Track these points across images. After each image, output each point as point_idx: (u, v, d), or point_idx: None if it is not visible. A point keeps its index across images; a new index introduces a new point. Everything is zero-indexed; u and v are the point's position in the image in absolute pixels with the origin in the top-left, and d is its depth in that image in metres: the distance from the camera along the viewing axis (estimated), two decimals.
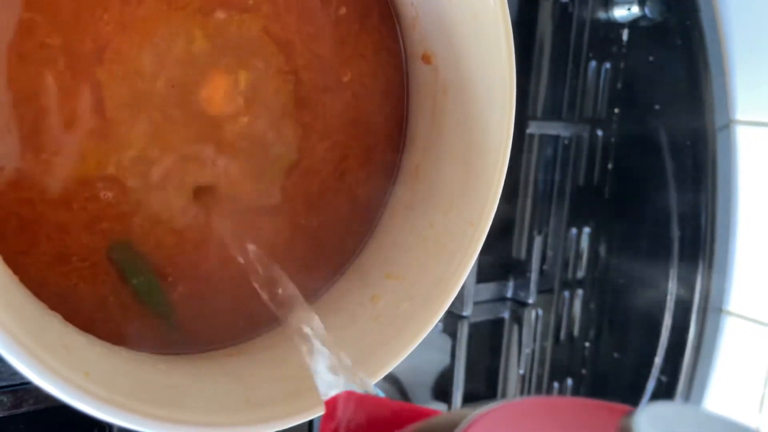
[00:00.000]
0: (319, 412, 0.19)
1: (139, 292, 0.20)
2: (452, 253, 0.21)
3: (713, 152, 0.44)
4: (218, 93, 0.20)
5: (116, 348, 0.19)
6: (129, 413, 0.15)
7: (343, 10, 0.21)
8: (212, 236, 0.21)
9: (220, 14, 0.19)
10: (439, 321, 0.43)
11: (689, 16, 0.43)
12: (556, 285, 0.49)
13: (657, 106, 0.46)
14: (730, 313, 0.45)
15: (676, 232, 0.47)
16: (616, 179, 0.50)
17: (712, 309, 0.46)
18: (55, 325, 0.16)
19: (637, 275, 0.50)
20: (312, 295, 0.24)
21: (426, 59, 0.23)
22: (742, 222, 0.44)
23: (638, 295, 0.49)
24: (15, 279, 0.16)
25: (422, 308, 0.21)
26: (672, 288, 0.47)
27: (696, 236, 0.45)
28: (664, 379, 0.47)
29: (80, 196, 0.19)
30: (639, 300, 0.49)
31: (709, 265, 0.45)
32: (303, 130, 0.22)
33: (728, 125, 0.44)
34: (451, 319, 0.43)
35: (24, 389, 0.29)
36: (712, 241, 0.45)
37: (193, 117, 0.21)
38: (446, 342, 0.46)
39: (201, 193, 0.21)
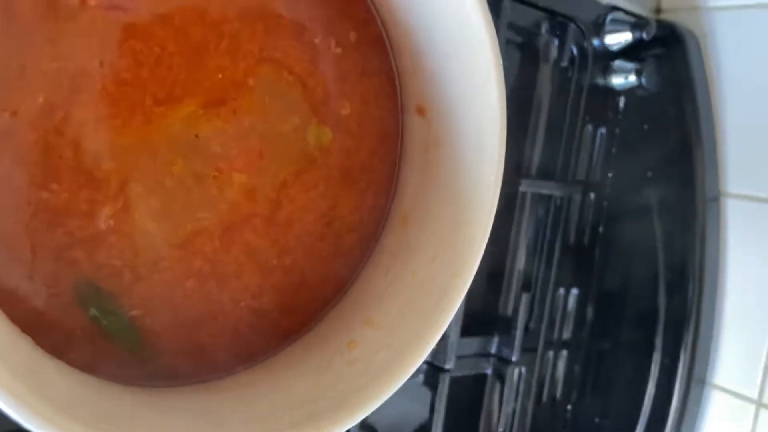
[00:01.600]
0: None
1: (108, 332, 0.20)
2: (433, 305, 0.21)
3: (702, 223, 0.45)
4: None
5: (85, 376, 0.18)
6: (28, 410, 0.15)
7: (339, 50, 0.22)
8: (188, 274, 0.21)
9: None
10: (420, 373, 0.43)
11: (684, 88, 0.44)
12: (541, 344, 0.48)
13: (649, 173, 0.47)
14: (714, 386, 0.45)
15: (663, 300, 0.47)
16: (607, 242, 0.50)
17: (696, 380, 0.45)
18: (23, 348, 0.16)
19: (623, 340, 0.49)
20: (289, 338, 0.24)
21: (420, 111, 0.23)
22: (729, 294, 0.44)
23: (623, 361, 0.49)
24: None
25: (399, 358, 0.20)
26: (656, 356, 0.47)
27: (683, 305, 0.45)
28: None
29: (65, 221, 0.19)
30: (623, 366, 0.49)
31: (695, 336, 0.45)
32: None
33: (718, 197, 0.45)
34: (433, 371, 0.42)
35: None
36: (699, 312, 0.45)
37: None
38: (426, 394, 0.45)
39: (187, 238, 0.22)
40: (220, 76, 0.21)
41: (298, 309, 0.24)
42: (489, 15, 0.20)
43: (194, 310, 0.21)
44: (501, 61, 0.20)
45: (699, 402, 0.45)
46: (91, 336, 0.20)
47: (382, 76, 0.24)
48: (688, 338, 0.43)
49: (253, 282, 0.22)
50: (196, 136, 0.20)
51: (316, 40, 0.21)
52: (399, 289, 0.22)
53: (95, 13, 0.19)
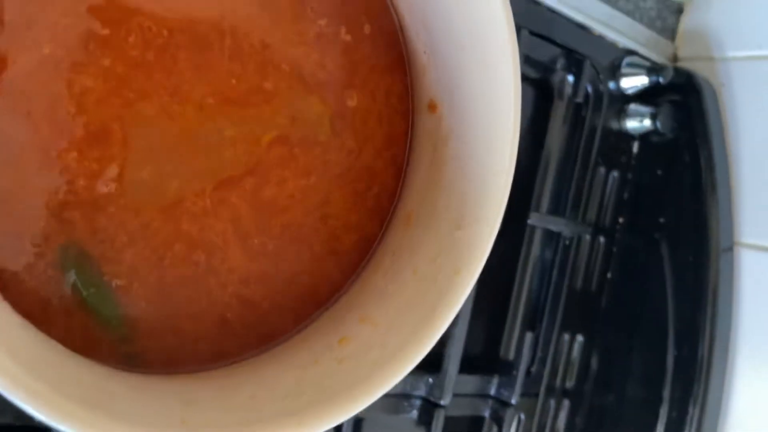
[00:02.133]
0: None
1: (88, 304, 0.19)
2: (434, 303, 0.20)
3: (715, 273, 0.44)
4: None
5: (53, 341, 0.17)
6: (47, 406, 0.14)
7: (348, 38, 0.21)
8: (176, 237, 0.20)
9: None
10: (414, 408, 0.41)
11: (699, 134, 0.44)
12: (542, 391, 0.46)
13: (662, 220, 0.46)
14: None
15: (672, 352, 0.45)
16: (615, 289, 0.49)
17: None
18: None
19: (629, 394, 0.47)
20: (276, 338, 0.23)
21: (432, 108, 0.23)
22: (742, 348, 0.43)
23: (628, 416, 0.47)
24: None
25: (393, 358, 0.19)
26: (664, 410, 0.45)
27: (692, 360, 0.43)
28: None
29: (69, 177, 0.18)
30: (628, 420, 0.47)
31: (705, 390, 0.43)
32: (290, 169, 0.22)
33: (732, 247, 0.44)
34: (427, 407, 0.40)
35: None
36: (710, 364, 0.43)
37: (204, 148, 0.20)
38: None
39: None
40: (233, 81, 0.21)
41: (288, 308, 0.23)
42: (509, 8, 0.19)
43: (180, 288, 0.20)
44: (518, 54, 0.19)
45: None
46: (68, 307, 0.18)
47: (394, 74, 0.24)
48: (699, 392, 0.41)
49: (240, 263, 0.21)
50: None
51: (321, 22, 0.20)
52: (398, 288, 0.21)
53: None
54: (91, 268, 0.19)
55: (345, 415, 0.18)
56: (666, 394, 0.44)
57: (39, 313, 0.17)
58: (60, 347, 0.17)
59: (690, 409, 0.42)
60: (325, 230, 0.22)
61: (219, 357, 0.21)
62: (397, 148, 0.24)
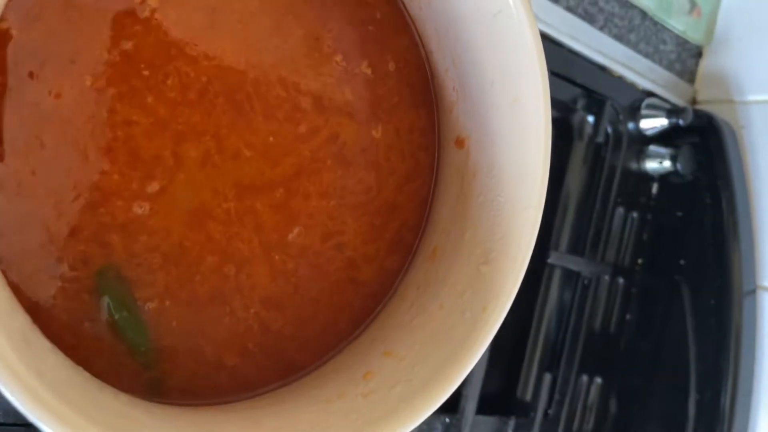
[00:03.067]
0: None
1: (119, 327, 0.19)
2: (461, 339, 0.19)
3: (738, 316, 0.43)
4: None
5: (79, 368, 0.17)
6: (73, 430, 0.13)
7: (369, 71, 0.22)
8: (206, 248, 0.20)
9: None
10: None
11: (720, 176, 0.44)
12: None
13: (682, 262, 0.46)
14: None
15: (694, 396, 0.44)
16: (634, 331, 0.48)
17: None
18: (20, 318, 0.15)
19: None
20: (301, 369, 0.22)
21: (459, 143, 0.23)
22: (764, 392, 0.42)
23: None
24: None
25: (419, 394, 0.19)
26: None
27: (715, 403, 0.42)
28: None
29: (110, 202, 0.18)
30: None
31: None
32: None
33: (755, 290, 0.43)
34: None
35: None
36: (732, 411, 0.42)
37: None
38: None
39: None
40: (271, 139, 0.21)
41: (308, 339, 0.22)
42: (541, 43, 0.20)
43: (208, 305, 0.20)
44: (548, 88, 0.19)
45: None
46: (98, 331, 0.18)
47: (419, 109, 0.24)
48: None
49: (263, 281, 0.21)
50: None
51: (337, 59, 0.21)
52: (424, 322, 0.21)
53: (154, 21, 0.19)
54: (125, 291, 0.19)
55: None
56: None
57: (68, 337, 0.17)
58: (86, 374, 0.17)
59: None
60: (342, 259, 0.22)
61: (240, 388, 0.21)
62: (421, 181, 0.24)
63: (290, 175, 0.21)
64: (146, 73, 0.20)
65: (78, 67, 0.19)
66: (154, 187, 0.19)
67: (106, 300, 0.18)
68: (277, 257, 0.21)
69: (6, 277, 0.17)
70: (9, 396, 0.12)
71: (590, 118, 0.44)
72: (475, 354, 0.19)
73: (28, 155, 0.18)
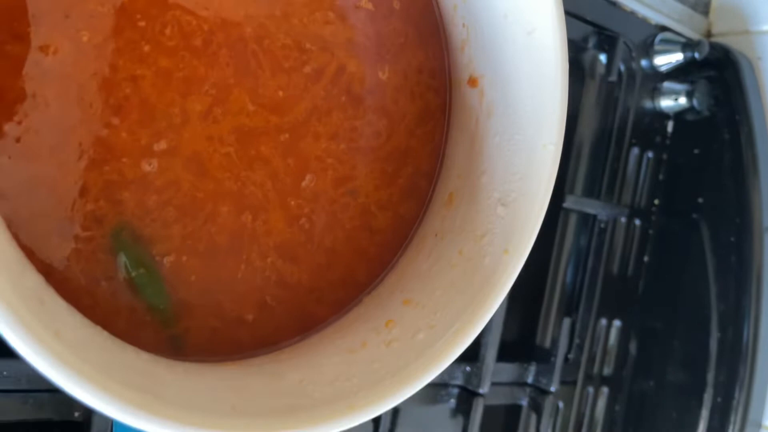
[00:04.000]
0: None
1: (136, 285, 0.19)
2: (481, 283, 0.19)
3: (759, 253, 0.42)
4: None
5: (98, 327, 0.17)
6: (96, 387, 0.13)
7: (370, 6, 0.21)
8: (220, 194, 0.19)
9: None
10: (452, 397, 0.40)
11: (738, 110, 0.43)
12: (580, 378, 0.45)
13: (700, 200, 0.45)
14: None
15: (715, 335, 0.44)
16: (652, 273, 0.48)
17: (751, 424, 0.42)
18: (33, 278, 0.14)
19: (670, 379, 0.46)
20: (320, 323, 0.22)
21: (472, 83, 0.22)
22: None
23: (669, 402, 0.46)
24: (1, 221, 0.15)
25: (443, 339, 0.18)
26: (707, 398, 0.44)
27: (737, 342, 0.42)
28: None
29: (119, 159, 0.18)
30: (670, 407, 0.46)
31: (751, 374, 0.42)
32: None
33: None
34: (465, 395, 0.40)
35: None
36: (755, 349, 0.42)
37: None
38: (458, 423, 0.42)
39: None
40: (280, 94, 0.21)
41: (327, 293, 0.22)
42: None
43: (226, 257, 0.19)
44: (564, 18, 0.18)
45: None
46: (115, 289, 0.18)
47: (428, 49, 0.23)
48: (745, 374, 0.40)
49: (279, 226, 0.20)
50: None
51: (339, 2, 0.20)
52: (443, 269, 0.20)
53: None
54: (141, 248, 0.18)
55: (397, 398, 0.17)
56: (710, 378, 0.43)
57: (85, 298, 0.17)
58: (105, 333, 0.16)
59: (736, 393, 0.41)
60: (356, 206, 0.22)
61: (260, 343, 0.21)
62: (433, 124, 0.23)
63: (301, 117, 0.20)
64: (142, 24, 0.19)
65: (73, 21, 0.18)
66: (161, 144, 0.19)
67: (122, 258, 0.18)
68: (292, 203, 0.20)
69: (17, 240, 0.17)
70: (28, 356, 0.12)
71: (602, 57, 0.43)
72: (498, 297, 0.19)
73: (31, 114, 0.17)
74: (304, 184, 0.20)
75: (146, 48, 0.18)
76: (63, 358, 0.13)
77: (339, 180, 0.21)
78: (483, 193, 0.21)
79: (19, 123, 0.17)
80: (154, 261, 0.19)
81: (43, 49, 0.17)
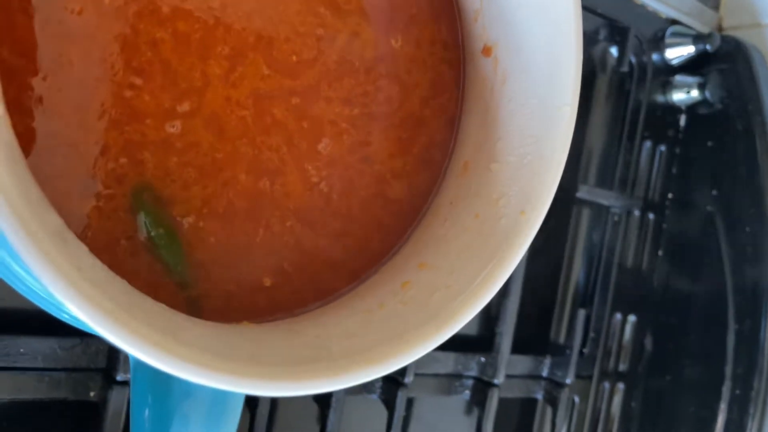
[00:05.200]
0: (327, 387, 0.16)
1: (155, 244, 0.19)
2: (498, 244, 0.19)
3: None
4: None
5: (117, 276, 0.17)
6: (117, 324, 0.13)
7: None
8: (237, 159, 0.19)
9: None
10: (466, 389, 0.40)
11: (751, 101, 0.43)
12: (596, 373, 0.45)
13: (714, 192, 0.45)
14: None
15: (732, 328, 0.43)
16: (667, 267, 0.47)
17: None
18: (55, 218, 0.14)
19: (687, 374, 0.45)
20: (336, 291, 0.22)
21: (486, 51, 0.22)
22: None
23: (687, 397, 0.45)
24: (24, 162, 0.15)
25: (459, 298, 0.18)
26: (725, 391, 0.43)
27: (755, 333, 0.42)
28: None
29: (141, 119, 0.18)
30: (688, 402, 0.45)
31: None
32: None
33: None
34: (480, 386, 0.39)
35: (14, 375, 0.27)
36: None
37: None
38: (471, 418, 0.42)
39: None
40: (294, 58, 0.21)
41: (343, 262, 0.22)
42: None
43: (245, 221, 0.20)
44: None
45: None
46: (135, 248, 0.18)
47: (440, 22, 0.23)
48: (764, 365, 0.39)
49: (297, 189, 0.20)
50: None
51: None
52: (459, 233, 0.20)
53: None
54: (161, 209, 0.18)
55: (414, 353, 0.17)
56: (728, 371, 0.42)
57: (104, 257, 0.17)
58: (124, 281, 0.17)
59: (755, 384, 0.40)
60: (371, 173, 0.22)
61: (277, 309, 0.21)
62: (447, 96, 0.23)
63: (313, 81, 0.20)
64: None
65: None
66: (184, 106, 0.19)
67: (142, 218, 0.18)
68: (309, 167, 0.20)
69: None
70: (50, 286, 0.12)
71: (613, 50, 0.43)
72: (516, 256, 0.19)
73: (56, 73, 0.18)
74: (320, 147, 0.21)
75: (165, 10, 0.19)
76: (86, 293, 0.13)
77: (354, 145, 0.21)
78: (499, 158, 0.21)
79: (44, 79, 0.17)
80: (174, 221, 0.19)
81: (69, 8, 0.18)
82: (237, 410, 0.17)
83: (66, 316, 0.20)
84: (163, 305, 0.17)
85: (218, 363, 0.15)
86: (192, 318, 0.17)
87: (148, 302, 0.16)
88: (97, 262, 0.15)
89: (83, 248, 0.15)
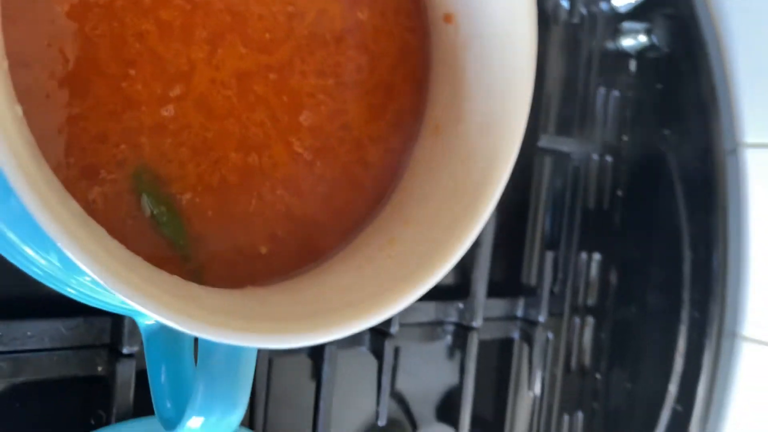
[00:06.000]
0: (334, 335, 0.18)
1: (157, 222, 0.20)
2: (470, 199, 0.21)
3: (723, 175, 0.45)
4: None
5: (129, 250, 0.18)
6: (148, 298, 0.15)
7: None
8: (228, 136, 0.21)
9: None
10: (448, 334, 0.43)
11: (695, 43, 0.45)
12: (566, 310, 0.48)
13: (666, 132, 0.47)
14: (745, 338, 0.44)
15: (688, 256, 0.46)
16: (626, 206, 0.50)
17: (726, 334, 0.45)
18: (74, 204, 0.16)
19: (650, 303, 0.49)
20: (328, 252, 0.24)
21: (447, 18, 0.24)
22: (754, 244, 0.44)
23: (651, 325, 0.48)
24: (43, 158, 0.16)
25: (438, 251, 0.20)
26: (685, 315, 0.47)
27: (708, 260, 0.45)
28: (679, 408, 0.45)
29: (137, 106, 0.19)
30: (652, 330, 0.48)
31: (723, 289, 0.45)
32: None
33: (736, 148, 0.45)
34: (460, 331, 0.42)
35: (25, 357, 0.29)
36: (725, 265, 0.44)
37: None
38: (454, 361, 0.45)
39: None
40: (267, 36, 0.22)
41: (330, 225, 0.24)
42: None
43: (239, 195, 0.21)
44: None
45: (731, 356, 0.44)
46: (140, 227, 0.20)
47: None
48: (718, 289, 0.43)
49: (284, 160, 0.22)
50: None
51: None
52: (435, 191, 0.22)
53: None
54: (160, 187, 0.20)
55: (402, 303, 0.19)
56: (686, 296, 0.45)
57: (116, 236, 0.18)
58: (141, 258, 0.18)
59: (711, 307, 0.43)
60: (351, 140, 0.23)
61: (275, 273, 0.23)
62: (414, 62, 0.25)
63: (287, 56, 0.22)
64: None
65: None
66: (175, 90, 0.20)
67: (144, 197, 0.20)
68: (292, 139, 0.22)
69: None
70: (77, 257, 0.14)
71: (564, 2, 0.45)
72: (487, 208, 0.21)
73: (53, 69, 0.19)
74: (301, 119, 0.22)
75: (147, 1, 0.20)
76: (118, 272, 0.14)
77: (332, 114, 0.23)
78: (466, 118, 0.23)
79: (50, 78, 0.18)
80: (173, 199, 0.20)
81: (59, 3, 0.19)
82: (251, 363, 0.19)
83: (71, 291, 0.21)
84: (176, 276, 0.18)
85: (238, 323, 0.16)
86: (203, 286, 0.19)
87: (164, 275, 0.18)
88: (117, 243, 0.17)
89: (102, 230, 0.16)
